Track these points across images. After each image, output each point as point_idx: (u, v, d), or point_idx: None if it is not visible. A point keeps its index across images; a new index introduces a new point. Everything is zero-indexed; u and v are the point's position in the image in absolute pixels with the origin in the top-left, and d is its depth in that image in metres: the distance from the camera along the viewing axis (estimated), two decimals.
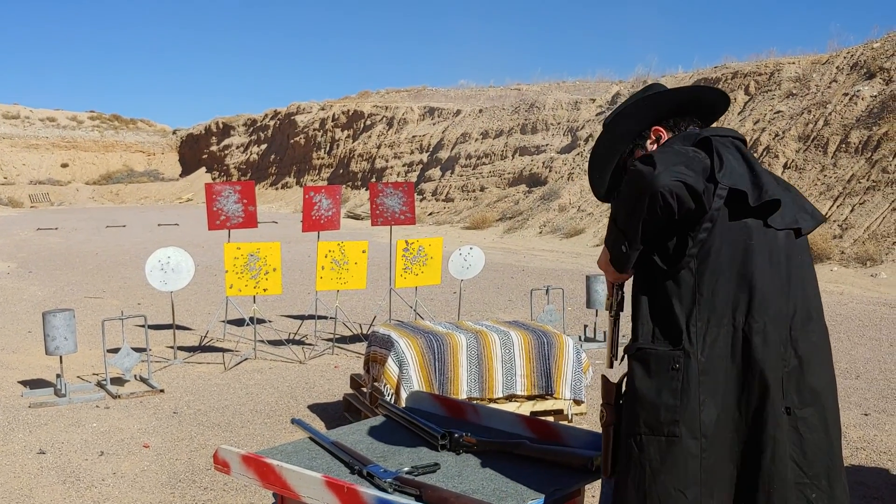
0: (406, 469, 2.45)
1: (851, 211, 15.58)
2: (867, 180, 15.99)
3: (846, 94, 18.67)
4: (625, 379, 2.18)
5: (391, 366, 5.44)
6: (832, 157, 17.39)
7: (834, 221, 15.56)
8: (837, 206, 15.96)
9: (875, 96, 17.93)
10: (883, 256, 13.84)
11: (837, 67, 20.17)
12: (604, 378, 2.23)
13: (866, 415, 6.12)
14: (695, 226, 2.09)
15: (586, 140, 26.31)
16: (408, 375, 5.40)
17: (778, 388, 2.11)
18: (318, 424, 6.04)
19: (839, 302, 11.32)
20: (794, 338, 2.16)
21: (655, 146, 2.34)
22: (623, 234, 2.15)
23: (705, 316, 2.08)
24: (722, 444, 2.07)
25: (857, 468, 4.99)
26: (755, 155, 18.84)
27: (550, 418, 5.54)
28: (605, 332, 8.80)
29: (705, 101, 2.42)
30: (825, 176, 17.02)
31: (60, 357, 6.89)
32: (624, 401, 2.16)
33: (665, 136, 2.34)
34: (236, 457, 2.55)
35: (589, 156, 2.48)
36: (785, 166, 18.21)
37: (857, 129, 17.35)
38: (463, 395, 5.48)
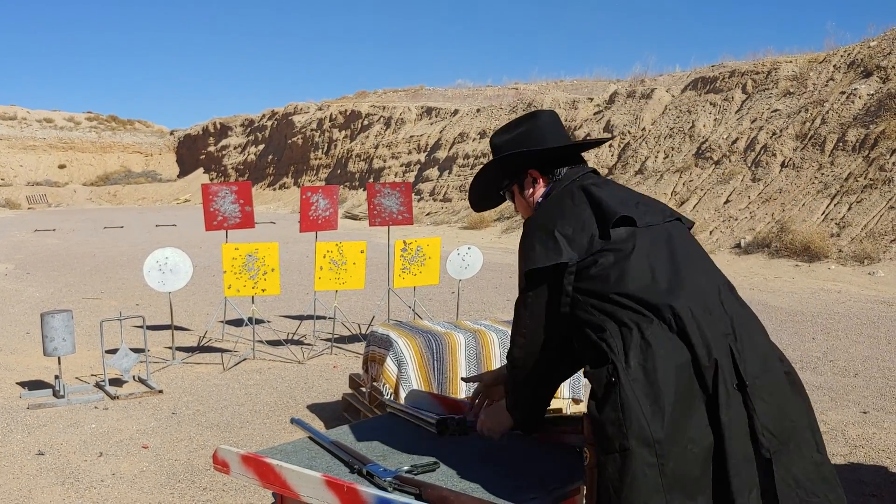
0: (405, 468, 2.45)
1: (849, 209, 15.59)
2: (864, 179, 16.00)
3: (843, 93, 18.68)
4: None
5: (390, 365, 5.44)
6: (829, 156, 17.40)
7: (831, 220, 15.57)
8: (835, 205, 15.97)
9: (872, 94, 17.94)
10: (880, 255, 13.85)
11: (834, 66, 20.18)
12: (585, 417, 2.16)
13: (865, 413, 6.13)
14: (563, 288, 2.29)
15: (584, 139, 26.27)
16: (406, 375, 5.40)
17: (728, 363, 2.10)
18: (318, 424, 6.04)
19: (837, 300, 11.33)
20: (724, 304, 2.22)
21: (532, 189, 2.56)
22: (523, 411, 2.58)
23: (616, 327, 2.13)
24: (684, 444, 2.03)
25: (857, 466, 5.00)
26: (753, 154, 18.87)
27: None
28: None
29: (581, 151, 2.62)
30: (822, 174, 17.03)
31: (59, 358, 6.89)
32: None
33: (540, 179, 2.54)
34: (235, 457, 2.55)
35: (475, 176, 2.69)
36: (782, 165, 18.22)
37: (855, 128, 17.36)
38: (462, 395, 5.48)
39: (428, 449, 2.71)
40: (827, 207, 16.05)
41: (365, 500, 2.18)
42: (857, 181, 16.12)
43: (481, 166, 2.66)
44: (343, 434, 2.90)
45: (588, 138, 2.79)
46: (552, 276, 2.26)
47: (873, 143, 16.62)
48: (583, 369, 2.28)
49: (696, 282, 2.21)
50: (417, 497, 2.24)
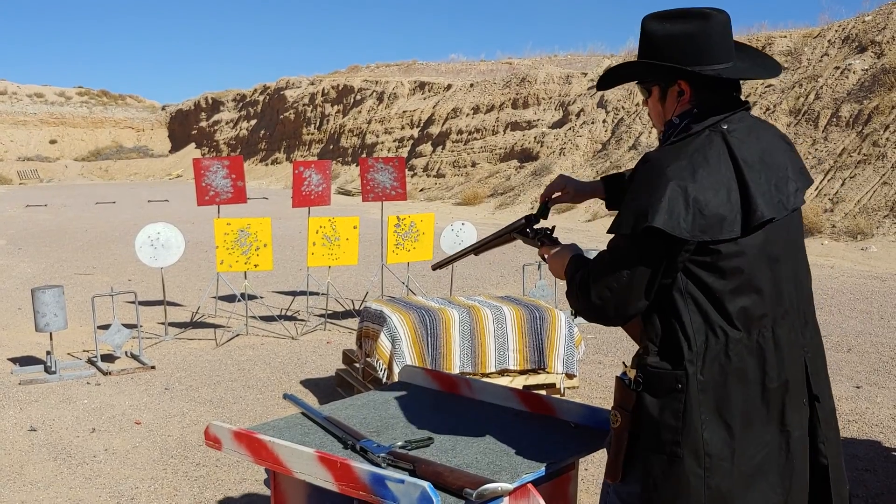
0: (399, 444, 2.43)
1: (842, 185, 15.58)
2: (858, 154, 15.99)
3: (837, 68, 18.62)
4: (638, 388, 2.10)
5: (384, 341, 5.43)
6: (823, 131, 17.37)
7: (825, 195, 15.57)
8: (828, 180, 15.96)
9: (866, 70, 17.89)
10: (873, 230, 13.86)
11: (829, 41, 20.10)
12: (619, 381, 2.15)
13: (858, 388, 6.14)
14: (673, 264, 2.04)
15: (578, 114, 26.22)
16: (400, 350, 5.39)
17: (801, 379, 2.12)
18: (311, 400, 6.03)
19: (830, 276, 11.35)
20: (807, 318, 2.18)
21: (675, 102, 2.18)
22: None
23: (703, 328, 2.02)
24: (734, 461, 2.03)
25: (850, 441, 5.01)
26: None
27: (543, 392, 5.53)
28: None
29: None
30: (816, 150, 17.00)
31: (50, 334, 6.86)
32: (632, 411, 2.10)
33: (687, 95, 2.15)
34: (227, 433, 2.53)
35: (622, 64, 2.31)
36: None
37: (849, 103, 17.32)
38: (455, 370, 5.48)
39: (422, 424, 2.69)
40: (820, 183, 16.04)
41: (358, 477, 2.16)
42: (850, 156, 16.10)
43: (627, 62, 2.27)
44: (336, 409, 2.88)
45: (753, 69, 2.38)
46: (668, 242, 1.99)
47: (867, 119, 16.59)
48: (646, 360, 2.07)
49: (792, 297, 2.13)
50: (412, 473, 2.23)
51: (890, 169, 15.12)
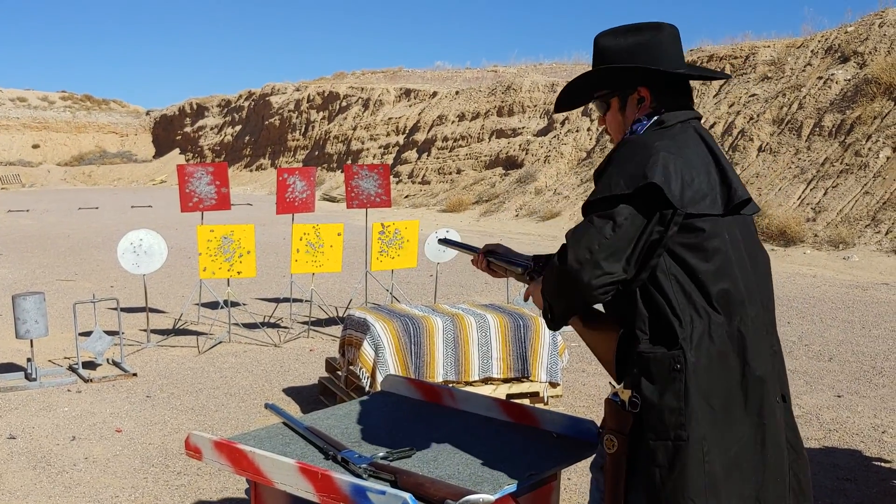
0: (381, 454, 2.42)
1: (825, 194, 15.68)
2: (840, 164, 16.10)
3: (820, 78, 18.75)
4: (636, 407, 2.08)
5: (367, 349, 5.41)
6: (806, 141, 17.49)
7: (807, 204, 15.67)
8: (811, 190, 16.06)
9: (849, 80, 18.02)
10: (855, 239, 13.96)
11: (812, 51, 20.24)
12: (611, 404, 2.12)
13: (839, 397, 6.17)
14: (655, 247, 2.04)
15: (563, 122, 26.28)
16: (384, 359, 5.37)
17: (774, 378, 2.14)
18: (293, 408, 6.00)
19: (812, 285, 11.41)
20: (771, 320, 2.21)
21: (635, 110, 2.22)
22: (550, 308, 2.21)
23: (689, 309, 2.03)
24: (723, 448, 2.03)
25: (831, 450, 5.03)
26: (731, 138, 18.94)
27: (526, 401, 5.54)
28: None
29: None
30: (799, 159, 17.11)
31: (31, 341, 6.80)
32: (629, 433, 2.07)
33: (647, 102, 2.20)
34: (208, 443, 2.51)
35: (577, 77, 2.31)
36: (759, 150, 18.29)
37: (831, 113, 17.44)
38: (439, 379, 5.47)
39: (404, 435, 2.68)
40: (803, 192, 16.14)
41: (339, 488, 2.15)
42: (833, 166, 16.21)
43: (585, 72, 2.27)
44: (318, 419, 2.87)
45: (699, 66, 2.46)
46: (659, 204, 1.99)
47: (849, 129, 16.72)
48: (639, 348, 2.06)
49: (760, 294, 2.16)
50: (393, 484, 2.22)
51: (872, 178, 15.24)
